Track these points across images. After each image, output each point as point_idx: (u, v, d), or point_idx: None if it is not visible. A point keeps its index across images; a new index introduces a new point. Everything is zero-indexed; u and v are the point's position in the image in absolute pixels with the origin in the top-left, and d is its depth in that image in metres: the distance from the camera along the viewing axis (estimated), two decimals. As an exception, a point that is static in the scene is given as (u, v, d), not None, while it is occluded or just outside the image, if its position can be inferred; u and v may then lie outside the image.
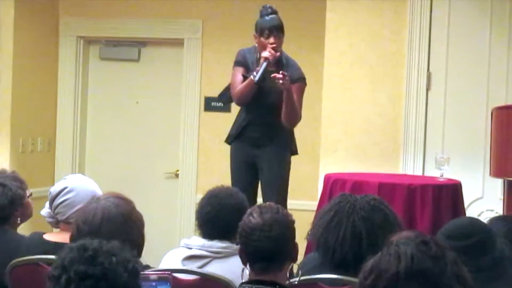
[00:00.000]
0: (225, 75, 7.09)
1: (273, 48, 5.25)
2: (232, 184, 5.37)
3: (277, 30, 5.31)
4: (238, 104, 5.52)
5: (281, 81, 5.11)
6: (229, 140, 5.58)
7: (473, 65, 6.25)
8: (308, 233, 3.52)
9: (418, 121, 6.28)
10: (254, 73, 5.24)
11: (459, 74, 6.27)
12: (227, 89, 5.60)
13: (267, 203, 3.31)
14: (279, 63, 5.36)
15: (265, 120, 5.39)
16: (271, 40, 5.28)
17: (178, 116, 7.48)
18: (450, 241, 2.90)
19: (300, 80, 5.41)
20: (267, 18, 5.35)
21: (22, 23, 7.21)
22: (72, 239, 3.02)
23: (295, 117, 5.37)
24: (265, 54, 5.25)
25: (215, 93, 7.24)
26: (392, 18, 6.34)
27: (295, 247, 3.13)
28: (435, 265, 2.00)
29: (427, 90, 6.30)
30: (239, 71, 5.43)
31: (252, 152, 5.42)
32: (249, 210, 3.20)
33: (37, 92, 7.48)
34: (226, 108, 7.25)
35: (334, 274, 3.24)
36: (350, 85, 6.40)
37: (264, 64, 5.22)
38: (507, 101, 5.97)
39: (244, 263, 3.11)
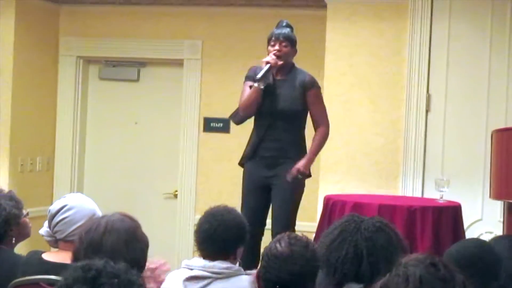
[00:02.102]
0: (224, 96, 7.14)
1: (275, 54, 5.29)
2: (242, 205, 5.34)
3: (284, 39, 5.34)
4: (244, 114, 5.44)
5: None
6: (243, 161, 5.50)
7: (473, 87, 6.26)
8: None
9: (418, 143, 6.28)
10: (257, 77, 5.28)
11: (458, 96, 6.28)
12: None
13: (300, 234, 3.25)
14: (290, 73, 5.38)
15: (278, 135, 5.34)
16: (276, 47, 5.32)
17: (177, 137, 7.48)
18: (458, 265, 2.87)
19: (314, 86, 5.42)
20: (277, 29, 5.41)
21: (22, 43, 7.22)
22: (74, 251, 3.00)
23: (325, 139, 5.45)
24: (266, 58, 5.30)
25: (215, 114, 7.31)
26: (392, 40, 6.37)
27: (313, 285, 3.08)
28: (443, 287, 1.99)
29: (427, 111, 6.31)
30: (248, 85, 5.41)
31: (266, 173, 5.36)
32: (278, 236, 3.16)
33: (36, 112, 7.48)
34: (225, 129, 7.27)
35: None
36: (350, 105, 6.41)
37: (267, 66, 5.25)
38: (507, 123, 5.97)
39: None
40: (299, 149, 5.39)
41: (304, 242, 3.09)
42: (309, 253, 3.06)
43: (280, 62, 5.31)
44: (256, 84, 5.26)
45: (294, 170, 5.24)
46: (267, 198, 5.37)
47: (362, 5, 6.42)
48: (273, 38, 5.36)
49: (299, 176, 5.25)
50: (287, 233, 3.18)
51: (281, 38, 5.34)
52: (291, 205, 5.31)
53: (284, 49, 5.33)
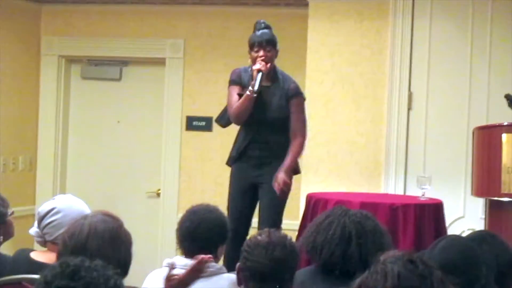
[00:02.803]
0: (206, 95, 7.14)
1: (263, 60, 5.26)
2: (229, 206, 5.34)
3: (267, 43, 5.31)
4: (236, 122, 5.40)
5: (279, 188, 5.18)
6: (230, 162, 5.48)
7: (454, 85, 6.29)
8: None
9: (400, 141, 6.30)
10: (250, 87, 5.22)
11: (440, 94, 6.31)
12: (225, 111, 5.50)
13: (278, 230, 3.27)
14: (274, 78, 5.37)
15: (266, 138, 5.34)
16: (260, 53, 5.29)
17: (159, 135, 7.48)
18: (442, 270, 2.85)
19: (298, 95, 5.40)
20: (257, 32, 5.36)
21: (4, 42, 7.20)
22: (59, 255, 3.00)
23: (302, 149, 5.40)
24: (257, 66, 5.24)
25: (197, 113, 7.31)
26: (374, 38, 6.38)
27: (291, 281, 3.10)
28: (421, 283, 2.00)
29: (409, 109, 6.33)
30: (235, 90, 5.36)
31: (254, 172, 5.35)
32: (259, 231, 3.21)
33: (18, 111, 7.46)
34: (208, 128, 7.27)
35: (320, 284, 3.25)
36: (332, 105, 6.42)
37: (259, 75, 5.21)
38: (488, 121, 5.99)
39: (239, 283, 3.10)
40: (287, 149, 5.38)
41: (283, 234, 3.15)
42: (288, 243, 3.10)
43: (268, 66, 5.28)
44: (248, 93, 5.23)
45: (278, 186, 5.17)
46: (254, 198, 5.37)
47: (344, 4, 6.43)
48: (256, 45, 5.31)
49: (285, 189, 5.20)
50: (266, 229, 3.21)
51: (264, 44, 5.30)
52: (279, 205, 5.32)
53: (269, 54, 5.30)
